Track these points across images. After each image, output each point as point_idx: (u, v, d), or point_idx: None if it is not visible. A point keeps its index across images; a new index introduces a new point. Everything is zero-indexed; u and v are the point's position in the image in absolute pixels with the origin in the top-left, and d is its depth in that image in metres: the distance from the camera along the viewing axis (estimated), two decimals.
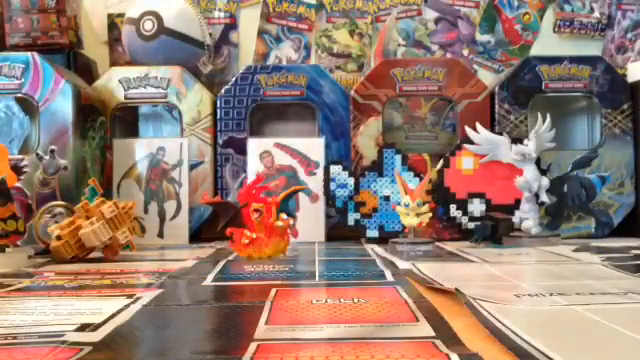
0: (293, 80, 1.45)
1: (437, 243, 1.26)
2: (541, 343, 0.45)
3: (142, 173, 1.41)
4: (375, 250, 1.17)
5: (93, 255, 1.10)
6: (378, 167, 1.34)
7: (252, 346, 0.47)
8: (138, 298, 0.67)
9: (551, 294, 0.66)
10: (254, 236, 1.02)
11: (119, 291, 0.73)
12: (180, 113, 1.45)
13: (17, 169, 1.14)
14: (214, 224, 1.15)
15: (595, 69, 1.41)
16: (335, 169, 1.34)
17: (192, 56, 1.55)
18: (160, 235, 1.39)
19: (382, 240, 1.30)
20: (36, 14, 1.43)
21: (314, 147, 1.43)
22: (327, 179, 1.34)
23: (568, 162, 1.39)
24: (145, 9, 1.49)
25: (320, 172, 1.39)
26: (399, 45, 1.71)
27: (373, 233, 1.33)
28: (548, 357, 0.42)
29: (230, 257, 1.07)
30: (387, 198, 1.33)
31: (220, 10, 1.71)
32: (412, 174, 1.34)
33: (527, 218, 1.25)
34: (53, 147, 1.25)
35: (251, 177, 1.38)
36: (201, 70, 1.66)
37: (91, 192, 1.12)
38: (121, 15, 1.63)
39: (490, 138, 1.31)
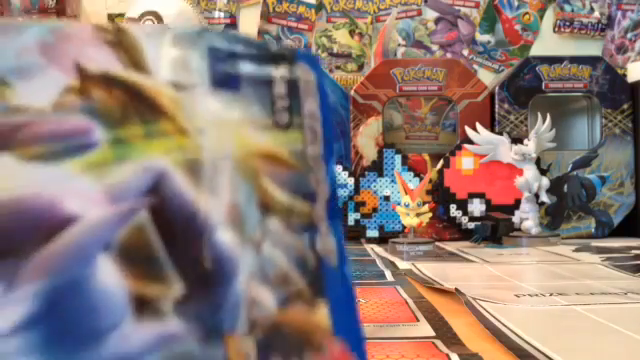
0: None
1: (437, 243, 1.26)
2: (541, 343, 0.45)
3: None
4: (375, 250, 1.17)
5: None
6: (378, 167, 1.34)
7: None
8: None
9: (551, 294, 0.66)
10: None
11: None
12: None
13: None
14: None
15: (595, 69, 1.41)
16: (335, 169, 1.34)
17: None
18: None
19: (382, 240, 1.30)
20: (36, 14, 1.43)
21: None
22: None
23: (568, 162, 1.39)
24: (145, 9, 1.49)
25: None
26: (399, 45, 1.71)
27: (373, 233, 1.33)
28: (548, 357, 0.42)
29: None
30: (387, 198, 1.33)
31: (220, 10, 1.71)
32: (412, 174, 1.34)
33: (527, 218, 1.25)
34: None
35: None
36: None
37: None
38: (121, 15, 1.63)
39: (490, 138, 1.31)
